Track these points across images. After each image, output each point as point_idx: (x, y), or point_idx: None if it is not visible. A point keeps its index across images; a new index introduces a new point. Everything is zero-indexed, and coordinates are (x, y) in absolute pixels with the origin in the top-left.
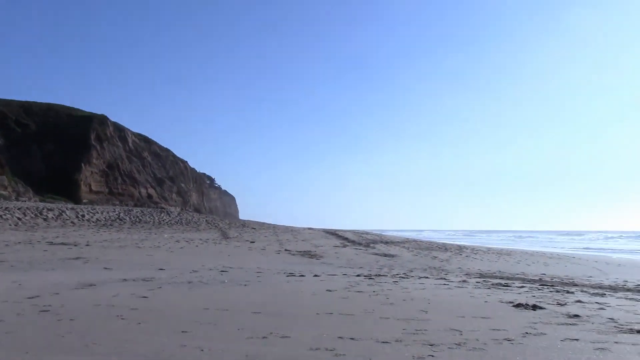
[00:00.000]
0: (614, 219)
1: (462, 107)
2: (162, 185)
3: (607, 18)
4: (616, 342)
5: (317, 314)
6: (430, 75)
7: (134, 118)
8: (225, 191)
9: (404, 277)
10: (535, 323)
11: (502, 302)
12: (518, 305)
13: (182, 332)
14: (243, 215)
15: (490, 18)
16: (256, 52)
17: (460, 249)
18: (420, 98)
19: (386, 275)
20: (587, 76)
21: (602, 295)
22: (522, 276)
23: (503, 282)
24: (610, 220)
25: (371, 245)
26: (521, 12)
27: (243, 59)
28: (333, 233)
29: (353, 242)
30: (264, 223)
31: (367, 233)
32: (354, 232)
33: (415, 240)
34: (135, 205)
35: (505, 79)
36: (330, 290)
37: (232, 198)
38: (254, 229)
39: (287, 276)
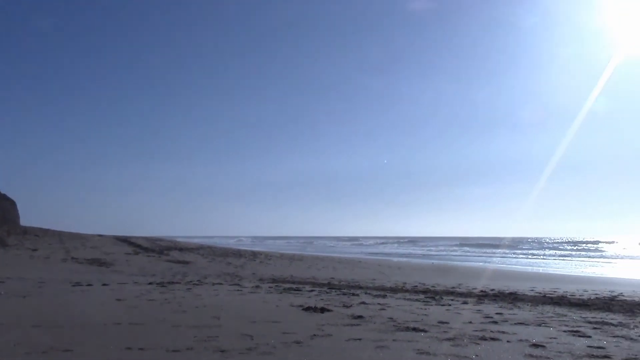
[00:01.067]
0: (385, 226)
1: (258, 114)
2: None
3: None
4: (394, 340)
5: (105, 324)
6: (225, 83)
7: None
8: (4, 195)
9: (198, 284)
10: (323, 325)
11: (293, 306)
12: (308, 309)
13: None
14: (25, 221)
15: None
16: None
17: (254, 254)
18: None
19: (180, 283)
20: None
21: (384, 296)
22: (313, 280)
23: (294, 286)
24: (382, 227)
25: (165, 252)
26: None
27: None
28: (125, 240)
29: (146, 249)
30: (48, 230)
31: (161, 239)
32: (147, 238)
33: (210, 247)
34: None
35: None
36: (119, 300)
37: (12, 203)
38: (37, 236)
39: (73, 286)
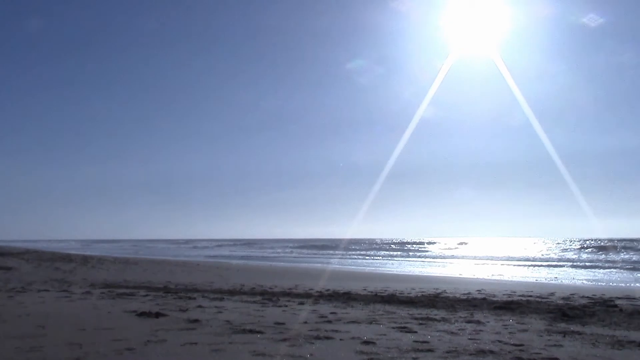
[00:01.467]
0: (219, 228)
1: (92, 114)
2: None
3: None
4: (230, 343)
5: None
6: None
7: None
8: None
9: (21, 291)
10: (157, 330)
11: (126, 312)
12: (141, 314)
13: None
14: None
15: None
16: None
17: (85, 259)
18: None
19: (0, 291)
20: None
21: (221, 299)
22: (148, 284)
23: (128, 291)
24: (215, 229)
25: None
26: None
27: None
28: None
29: None
30: None
31: None
32: None
33: (36, 251)
34: None
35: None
36: None
37: None
38: None
39: None
